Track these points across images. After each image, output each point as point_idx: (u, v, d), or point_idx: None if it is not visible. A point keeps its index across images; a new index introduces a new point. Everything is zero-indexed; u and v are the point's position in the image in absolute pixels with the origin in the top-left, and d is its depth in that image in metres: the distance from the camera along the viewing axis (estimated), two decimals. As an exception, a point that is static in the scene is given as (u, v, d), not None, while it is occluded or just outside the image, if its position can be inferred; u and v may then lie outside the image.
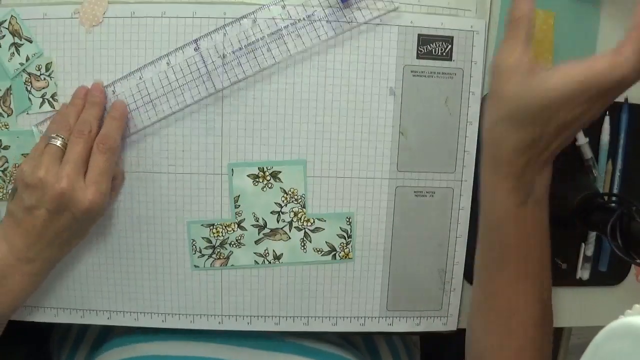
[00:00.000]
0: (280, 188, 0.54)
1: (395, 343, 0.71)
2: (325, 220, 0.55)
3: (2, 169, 0.54)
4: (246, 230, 0.54)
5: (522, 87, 0.40)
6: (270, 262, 0.55)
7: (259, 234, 0.54)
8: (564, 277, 0.59)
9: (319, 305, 0.57)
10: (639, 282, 0.61)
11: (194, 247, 0.54)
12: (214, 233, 0.54)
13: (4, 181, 0.54)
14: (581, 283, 0.59)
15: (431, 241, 0.56)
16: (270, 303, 0.56)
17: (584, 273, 0.59)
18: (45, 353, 0.54)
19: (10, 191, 0.49)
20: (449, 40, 0.53)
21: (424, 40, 0.53)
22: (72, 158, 0.46)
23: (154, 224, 0.54)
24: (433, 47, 0.53)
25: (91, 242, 0.54)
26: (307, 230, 0.55)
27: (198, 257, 0.55)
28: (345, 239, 0.55)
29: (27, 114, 0.53)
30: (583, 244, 0.58)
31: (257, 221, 0.54)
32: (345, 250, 0.55)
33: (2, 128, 0.53)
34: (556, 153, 0.42)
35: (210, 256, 0.55)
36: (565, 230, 0.57)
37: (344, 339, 0.63)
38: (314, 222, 0.55)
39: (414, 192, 0.55)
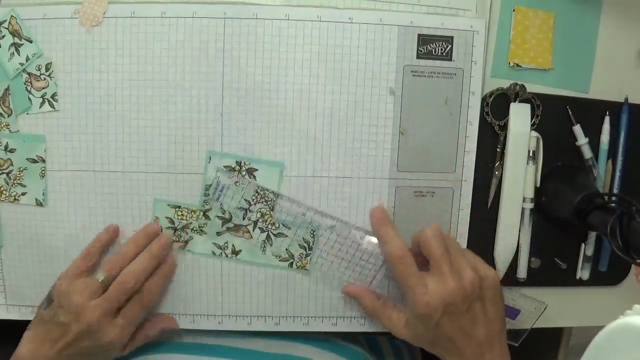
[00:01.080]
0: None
1: (398, 343, 0.71)
2: (289, 228, 0.54)
3: (7, 171, 0.54)
4: (210, 220, 0.54)
5: (408, 334, 0.53)
6: (227, 256, 0.55)
7: (222, 226, 0.54)
8: (564, 277, 0.59)
9: (319, 305, 0.57)
10: (639, 282, 0.61)
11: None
12: (178, 215, 0.54)
13: (8, 184, 0.54)
14: (581, 283, 0.59)
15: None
16: (270, 303, 0.56)
17: (584, 273, 0.59)
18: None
19: (45, 298, 0.52)
20: (449, 40, 0.53)
21: (424, 40, 0.53)
22: (109, 301, 0.49)
23: (124, 194, 0.54)
24: (433, 47, 0.53)
25: (85, 243, 0.54)
26: (270, 233, 0.54)
27: None
28: (305, 250, 0.55)
29: (27, 114, 0.53)
30: (583, 244, 0.58)
31: (223, 214, 0.54)
32: (303, 262, 0.55)
33: (4, 129, 0.53)
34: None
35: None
36: (565, 230, 0.57)
37: (347, 337, 0.63)
38: (278, 226, 0.54)
39: (414, 192, 0.55)
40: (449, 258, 0.50)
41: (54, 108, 0.53)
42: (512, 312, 0.57)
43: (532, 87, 0.55)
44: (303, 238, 0.55)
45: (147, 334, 0.54)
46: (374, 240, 0.54)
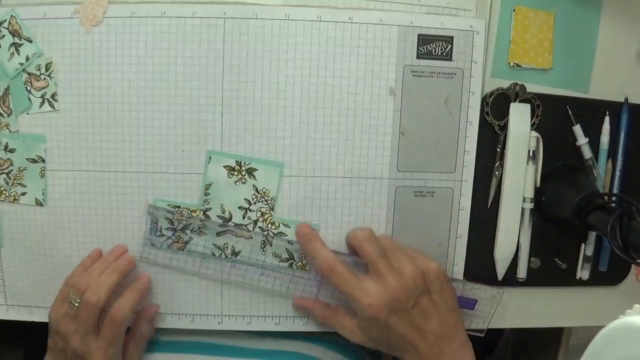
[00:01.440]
0: (253, 185, 0.54)
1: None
2: (289, 227, 0.54)
3: (7, 171, 0.54)
4: (210, 219, 0.54)
5: (363, 339, 0.53)
6: (227, 257, 0.55)
7: (222, 226, 0.54)
8: (564, 277, 0.59)
9: (319, 305, 0.57)
10: (639, 282, 0.61)
11: (155, 225, 0.54)
12: (178, 216, 0.54)
13: (8, 184, 0.54)
14: (581, 283, 0.59)
15: (431, 241, 0.56)
16: (270, 303, 0.56)
17: (584, 273, 0.59)
18: (45, 353, 0.54)
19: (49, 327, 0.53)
20: (449, 40, 0.53)
21: (424, 40, 0.53)
22: (81, 323, 0.50)
23: (124, 194, 0.54)
24: (433, 47, 0.53)
25: (85, 243, 0.54)
26: (270, 232, 0.54)
27: (157, 237, 0.54)
28: None
29: (27, 114, 0.53)
30: (583, 244, 0.58)
31: (224, 213, 0.54)
32: (303, 262, 0.55)
33: (4, 129, 0.53)
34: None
35: (169, 237, 0.54)
36: (565, 230, 0.57)
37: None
38: (278, 225, 0.54)
39: (414, 192, 0.55)
40: (386, 258, 0.50)
41: (54, 108, 0.53)
42: (469, 303, 0.56)
43: (532, 87, 0.55)
44: None
45: (141, 332, 0.54)
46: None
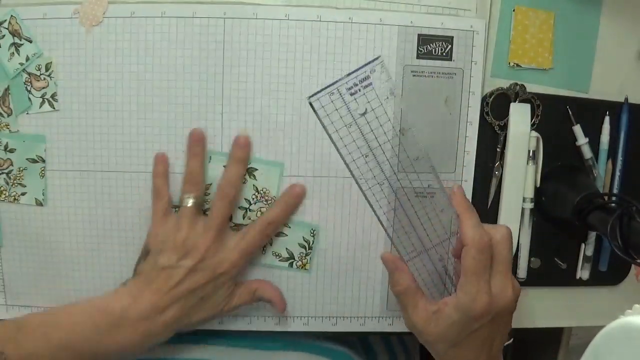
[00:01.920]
0: (253, 185, 0.54)
1: (393, 344, 0.71)
2: (290, 227, 0.54)
3: (7, 171, 0.54)
4: None
5: (430, 329, 0.49)
6: None
7: None
8: (564, 277, 0.59)
9: (319, 305, 0.57)
10: (639, 282, 0.61)
11: None
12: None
13: (8, 184, 0.54)
14: (581, 283, 0.59)
15: (431, 241, 0.56)
16: (270, 303, 0.56)
17: (584, 273, 0.59)
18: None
19: (140, 255, 0.51)
20: (449, 40, 0.53)
21: (424, 40, 0.53)
22: (216, 221, 0.49)
23: (124, 194, 0.54)
24: (433, 47, 0.53)
25: (85, 243, 0.54)
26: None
27: None
28: (305, 249, 0.55)
29: (27, 114, 0.53)
30: (583, 244, 0.58)
31: None
32: (303, 261, 0.55)
33: (4, 129, 0.53)
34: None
35: None
36: (565, 230, 0.57)
37: (340, 338, 0.63)
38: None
39: (414, 192, 0.55)
40: (510, 264, 0.48)
41: (54, 108, 0.53)
42: None
43: (532, 87, 0.56)
44: (303, 237, 0.55)
45: (257, 290, 0.52)
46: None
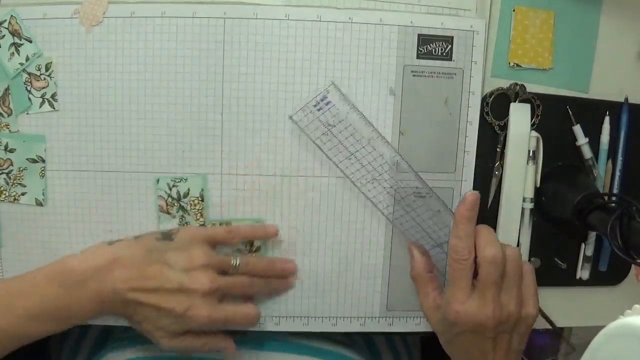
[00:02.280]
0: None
1: (396, 343, 0.71)
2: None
3: (7, 171, 0.54)
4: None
5: (433, 320, 0.53)
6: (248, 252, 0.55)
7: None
8: (564, 277, 0.59)
9: (319, 305, 0.57)
10: (639, 282, 0.61)
11: None
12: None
13: (8, 184, 0.54)
14: (581, 283, 0.59)
15: (431, 241, 0.56)
16: (270, 303, 0.56)
17: (584, 273, 0.59)
18: (44, 354, 0.54)
19: (162, 232, 0.51)
20: (449, 40, 0.53)
21: (424, 40, 0.53)
22: (227, 284, 0.50)
23: (124, 194, 0.54)
24: (433, 47, 0.53)
25: (85, 243, 0.54)
26: None
27: None
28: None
29: (27, 114, 0.53)
30: (583, 244, 0.58)
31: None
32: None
33: (4, 129, 0.53)
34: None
35: None
36: (565, 230, 0.57)
37: (345, 339, 0.63)
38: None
39: (414, 192, 0.55)
40: (499, 288, 0.49)
41: (54, 108, 0.53)
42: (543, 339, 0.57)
43: (532, 87, 0.55)
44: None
45: (206, 343, 0.51)
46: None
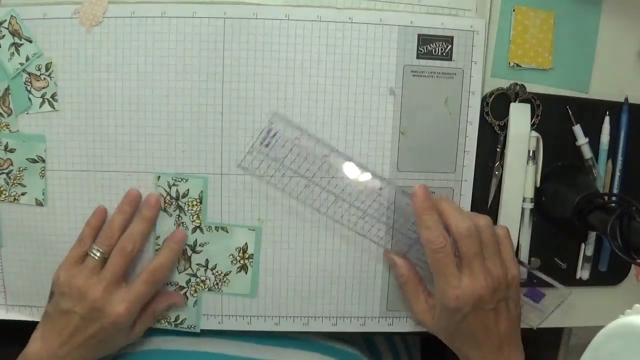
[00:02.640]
0: None
1: (396, 343, 0.71)
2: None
3: (7, 171, 0.54)
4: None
5: (430, 321, 0.53)
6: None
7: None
8: (564, 277, 0.59)
9: (319, 305, 0.57)
10: (639, 282, 0.61)
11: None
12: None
13: (8, 184, 0.54)
14: (581, 283, 0.59)
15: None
16: (270, 303, 0.56)
17: (584, 273, 0.59)
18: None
19: (49, 294, 0.52)
20: (449, 40, 0.53)
21: (424, 40, 0.53)
22: (109, 274, 0.49)
23: (124, 194, 0.54)
24: (433, 47, 0.53)
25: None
26: None
27: None
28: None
29: (27, 113, 0.53)
30: (583, 244, 0.58)
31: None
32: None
33: (4, 129, 0.53)
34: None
35: None
36: (565, 230, 0.57)
37: (345, 339, 0.63)
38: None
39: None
40: (481, 258, 0.49)
41: (54, 108, 0.53)
42: (537, 295, 0.57)
43: (532, 87, 0.56)
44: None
45: (154, 309, 0.53)
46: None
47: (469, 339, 0.51)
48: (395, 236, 0.55)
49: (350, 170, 0.53)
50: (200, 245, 0.55)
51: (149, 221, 0.52)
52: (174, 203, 0.54)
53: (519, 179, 0.55)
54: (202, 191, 0.53)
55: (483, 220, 0.50)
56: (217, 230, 0.54)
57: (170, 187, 0.53)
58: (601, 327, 0.33)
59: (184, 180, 0.53)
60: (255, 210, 0.54)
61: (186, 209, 0.54)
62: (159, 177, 0.53)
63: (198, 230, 0.54)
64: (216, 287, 0.55)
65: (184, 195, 0.53)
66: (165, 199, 0.53)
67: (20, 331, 0.52)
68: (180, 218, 0.54)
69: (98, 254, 0.50)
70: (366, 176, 0.53)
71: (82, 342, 0.49)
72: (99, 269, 0.50)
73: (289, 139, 0.51)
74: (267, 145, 0.51)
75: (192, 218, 0.54)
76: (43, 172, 0.54)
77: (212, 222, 0.54)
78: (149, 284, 0.50)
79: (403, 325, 0.58)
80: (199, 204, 0.54)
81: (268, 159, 0.51)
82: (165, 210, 0.54)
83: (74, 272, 0.50)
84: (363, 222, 0.54)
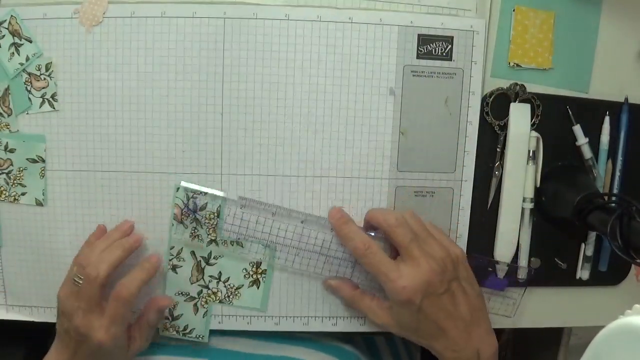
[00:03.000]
0: None
1: (396, 343, 0.71)
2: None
3: (7, 171, 0.54)
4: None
5: (392, 323, 0.53)
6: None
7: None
8: (564, 277, 0.59)
9: (319, 305, 0.57)
10: (639, 282, 0.61)
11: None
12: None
13: (8, 184, 0.54)
14: (581, 283, 0.59)
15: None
16: (270, 303, 0.56)
17: (584, 273, 0.59)
18: (44, 353, 0.54)
19: (57, 311, 0.52)
20: (449, 40, 0.53)
21: (424, 40, 0.53)
22: (83, 299, 0.49)
23: (124, 194, 0.54)
24: (433, 47, 0.53)
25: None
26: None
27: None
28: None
29: (27, 113, 0.53)
30: (583, 244, 0.58)
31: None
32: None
33: (4, 129, 0.53)
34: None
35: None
36: (565, 230, 0.57)
37: (345, 338, 0.63)
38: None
39: (414, 192, 0.55)
40: (418, 242, 0.50)
41: (54, 108, 0.53)
42: (498, 283, 0.57)
43: (532, 87, 0.56)
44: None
45: (147, 320, 0.53)
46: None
47: (432, 329, 0.50)
48: (334, 267, 0.55)
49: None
50: (214, 258, 0.55)
51: (123, 250, 0.51)
52: (190, 215, 0.54)
53: (519, 179, 0.55)
54: (220, 205, 0.53)
55: (408, 212, 0.52)
56: (232, 245, 0.54)
57: (188, 200, 0.53)
58: (601, 327, 0.33)
59: (203, 194, 0.53)
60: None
61: (203, 221, 0.54)
62: (178, 188, 0.53)
63: (213, 243, 0.54)
64: (227, 299, 0.55)
65: (202, 209, 0.53)
66: (182, 210, 0.53)
67: (21, 331, 0.52)
68: (196, 230, 0.54)
69: (80, 281, 0.49)
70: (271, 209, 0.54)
71: (85, 359, 0.50)
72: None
73: (207, 195, 0.53)
74: (194, 211, 0.53)
75: (208, 231, 0.54)
76: (43, 172, 0.54)
77: (227, 236, 0.54)
78: (118, 302, 0.49)
79: (403, 325, 0.58)
80: (216, 217, 0.54)
81: (197, 221, 0.53)
82: (181, 222, 0.54)
83: (68, 293, 0.50)
84: (286, 256, 0.55)
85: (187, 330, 0.56)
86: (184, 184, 0.53)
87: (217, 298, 0.55)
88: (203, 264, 0.55)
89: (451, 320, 0.50)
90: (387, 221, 0.51)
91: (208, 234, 0.54)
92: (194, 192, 0.53)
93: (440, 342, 0.50)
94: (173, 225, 0.54)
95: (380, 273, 0.50)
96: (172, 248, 0.54)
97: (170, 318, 0.56)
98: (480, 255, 0.56)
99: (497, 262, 0.56)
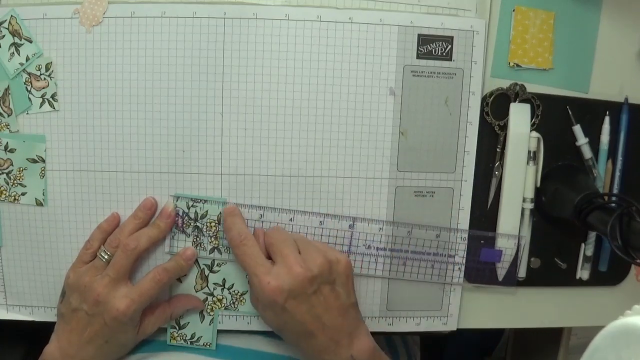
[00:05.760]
0: None
1: (396, 343, 0.71)
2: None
3: (7, 171, 0.54)
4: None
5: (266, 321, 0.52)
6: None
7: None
8: (564, 277, 0.59)
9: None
10: (639, 282, 0.61)
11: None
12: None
13: (8, 184, 0.54)
14: (581, 283, 0.59)
15: (430, 241, 0.56)
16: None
17: (584, 273, 0.59)
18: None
19: (60, 294, 0.53)
20: (449, 40, 0.53)
21: (424, 40, 0.53)
22: (112, 271, 0.50)
23: (124, 194, 0.54)
24: (433, 47, 0.53)
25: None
26: None
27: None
28: None
29: (27, 114, 0.53)
30: (583, 244, 0.58)
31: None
32: None
33: (4, 129, 0.53)
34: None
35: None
36: (565, 230, 0.57)
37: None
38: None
39: (414, 192, 0.55)
40: (294, 247, 0.50)
41: (54, 108, 0.53)
42: (496, 255, 0.56)
43: (532, 87, 0.56)
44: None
45: (172, 312, 0.54)
46: None
47: (298, 328, 0.49)
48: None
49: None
50: (217, 265, 0.55)
51: (159, 228, 0.53)
52: (192, 224, 0.54)
53: (519, 179, 0.55)
54: (221, 212, 0.53)
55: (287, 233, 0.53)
56: None
57: (189, 209, 0.53)
58: (601, 327, 0.33)
59: (203, 202, 0.53)
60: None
61: (204, 230, 0.54)
62: (178, 198, 0.53)
63: (216, 250, 0.54)
64: (232, 306, 0.55)
65: (203, 217, 0.54)
66: (183, 219, 0.54)
67: (21, 331, 0.52)
68: (198, 239, 0.54)
69: (106, 257, 0.51)
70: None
71: (89, 339, 0.50)
72: (105, 268, 0.51)
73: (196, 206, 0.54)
74: (189, 218, 0.53)
75: (210, 239, 0.54)
76: (43, 172, 0.54)
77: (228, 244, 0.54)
78: (155, 282, 0.50)
79: (403, 325, 0.58)
80: (217, 225, 0.54)
81: (194, 225, 0.54)
82: (183, 231, 0.54)
83: (82, 271, 0.51)
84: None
85: (195, 339, 0.56)
86: (180, 194, 0.53)
87: (223, 305, 0.55)
88: (207, 271, 0.55)
89: (319, 324, 0.49)
90: (266, 231, 0.52)
91: (210, 242, 0.54)
92: (195, 200, 0.53)
93: (309, 345, 0.49)
94: (174, 234, 0.54)
95: (249, 266, 0.49)
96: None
97: (177, 327, 0.56)
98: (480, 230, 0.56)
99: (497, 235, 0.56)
